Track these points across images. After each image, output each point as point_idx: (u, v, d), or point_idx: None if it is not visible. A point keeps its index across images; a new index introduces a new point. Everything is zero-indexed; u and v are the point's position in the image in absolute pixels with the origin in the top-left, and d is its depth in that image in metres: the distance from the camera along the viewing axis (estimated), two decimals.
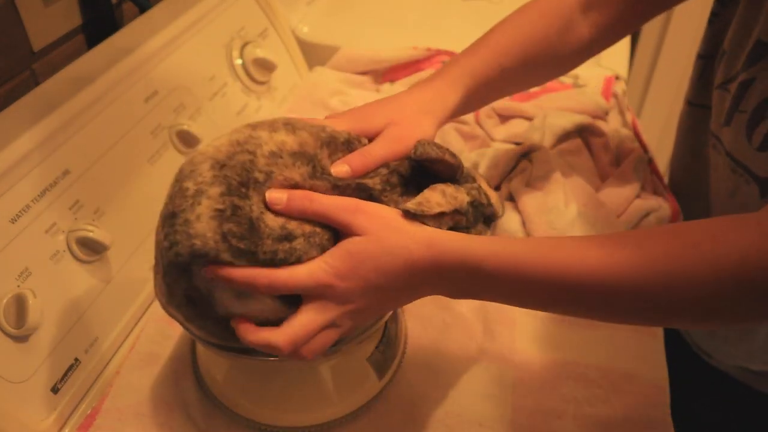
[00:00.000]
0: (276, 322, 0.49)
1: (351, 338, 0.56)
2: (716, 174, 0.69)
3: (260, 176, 0.49)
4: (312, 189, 0.51)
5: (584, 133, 0.88)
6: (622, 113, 0.95)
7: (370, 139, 0.56)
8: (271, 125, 0.53)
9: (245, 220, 0.48)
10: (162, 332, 0.68)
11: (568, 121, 0.88)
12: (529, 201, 0.75)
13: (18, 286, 0.58)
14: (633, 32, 0.72)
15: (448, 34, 1.13)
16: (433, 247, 0.48)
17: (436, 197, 0.52)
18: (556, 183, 0.77)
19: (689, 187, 0.79)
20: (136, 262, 0.71)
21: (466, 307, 0.72)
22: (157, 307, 0.71)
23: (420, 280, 0.49)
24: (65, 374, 0.62)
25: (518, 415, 0.62)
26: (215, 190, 0.48)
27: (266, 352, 0.49)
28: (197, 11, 0.88)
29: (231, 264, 0.48)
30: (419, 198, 0.51)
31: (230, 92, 0.91)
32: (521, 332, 0.69)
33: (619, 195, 0.78)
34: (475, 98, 0.64)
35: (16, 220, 0.60)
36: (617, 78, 1.01)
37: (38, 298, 0.58)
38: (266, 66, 0.95)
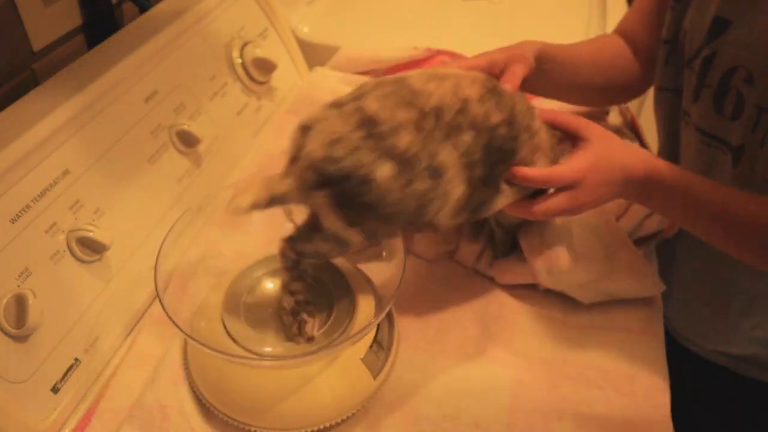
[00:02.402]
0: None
1: (347, 337, 0.57)
2: (689, 151, 0.71)
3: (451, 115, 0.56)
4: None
5: None
6: (622, 113, 0.95)
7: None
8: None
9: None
10: (159, 334, 0.68)
11: None
12: None
13: (18, 286, 0.58)
14: None
15: (448, 34, 1.13)
16: (645, 161, 0.61)
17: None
18: None
19: None
20: (136, 262, 0.71)
21: (463, 306, 0.72)
22: (155, 309, 0.71)
23: (624, 180, 0.60)
24: (65, 374, 0.62)
25: (516, 416, 0.62)
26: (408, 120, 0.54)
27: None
28: (197, 11, 0.88)
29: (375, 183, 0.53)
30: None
31: (230, 92, 0.91)
32: (520, 332, 0.69)
33: None
34: (545, 67, 0.71)
35: (16, 220, 0.60)
36: None
37: (38, 298, 0.58)
38: (266, 66, 0.95)
